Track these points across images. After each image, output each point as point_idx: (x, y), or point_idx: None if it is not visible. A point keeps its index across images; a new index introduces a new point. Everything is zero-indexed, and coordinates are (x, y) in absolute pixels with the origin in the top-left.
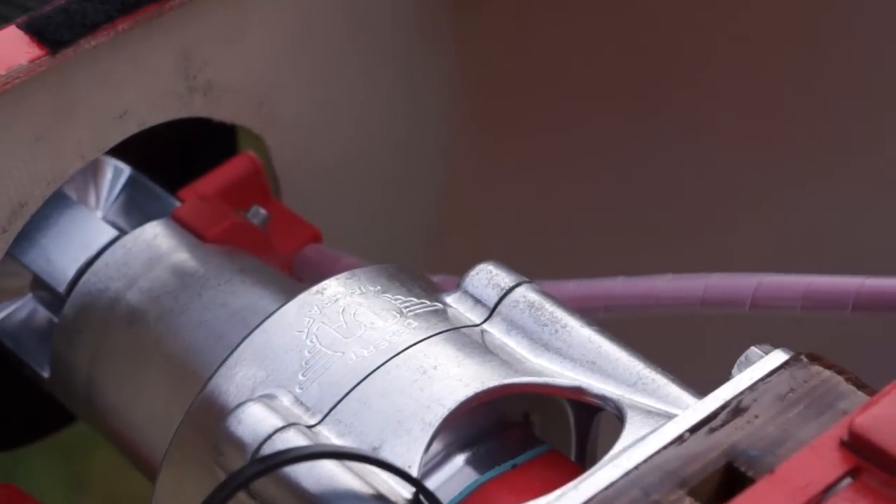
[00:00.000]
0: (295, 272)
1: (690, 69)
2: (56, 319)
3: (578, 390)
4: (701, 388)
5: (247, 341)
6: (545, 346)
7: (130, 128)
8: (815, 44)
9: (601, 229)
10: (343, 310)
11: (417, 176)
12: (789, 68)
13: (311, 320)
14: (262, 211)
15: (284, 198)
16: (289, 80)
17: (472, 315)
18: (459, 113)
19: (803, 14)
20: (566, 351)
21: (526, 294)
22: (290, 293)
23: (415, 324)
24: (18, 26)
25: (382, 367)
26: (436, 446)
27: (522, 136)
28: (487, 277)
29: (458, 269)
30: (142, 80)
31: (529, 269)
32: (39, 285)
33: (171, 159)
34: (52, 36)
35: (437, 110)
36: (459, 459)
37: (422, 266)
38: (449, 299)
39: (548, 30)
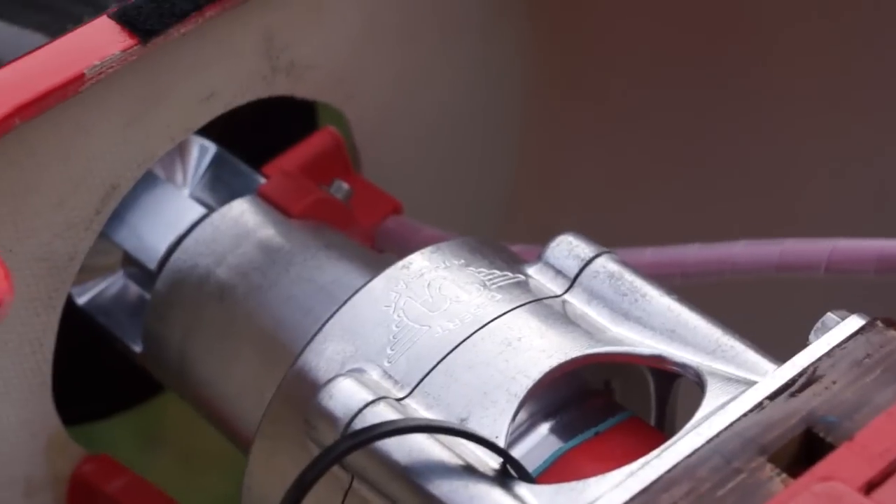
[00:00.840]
0: (377, 244)
1: (756, 35)
2: (147, 296)
3: (659, 358)
4: (779, 355)
5: (335, 317)
6: (625, 316)
7: (217, 109)
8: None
9: (670, 195)
10: (428, 284)
11: (493, 145)
12: (853, 29)
13: (398, 295)
14: (345, 185)
15: (365, 171)
16: (367, 55)
17: (553, 286)
18: (533, 81)
19: None
20: (646, 320)
21: (606, 264)
22: (375, 267)
23: (498, 296)
24: (110, 16)
25: (468, 340)
26: (520, 416)
27: (595, 102)
28: (568, 248)
29: (533, 238)
30: (227, 63)
31: (603, 235)
32: (130, 262)
33: (254, 136)
34: (142, 26)
35: (511, 79)
36: (543, 428)
37: (498, 235)
38: (530, 270)
39: (619, 9)
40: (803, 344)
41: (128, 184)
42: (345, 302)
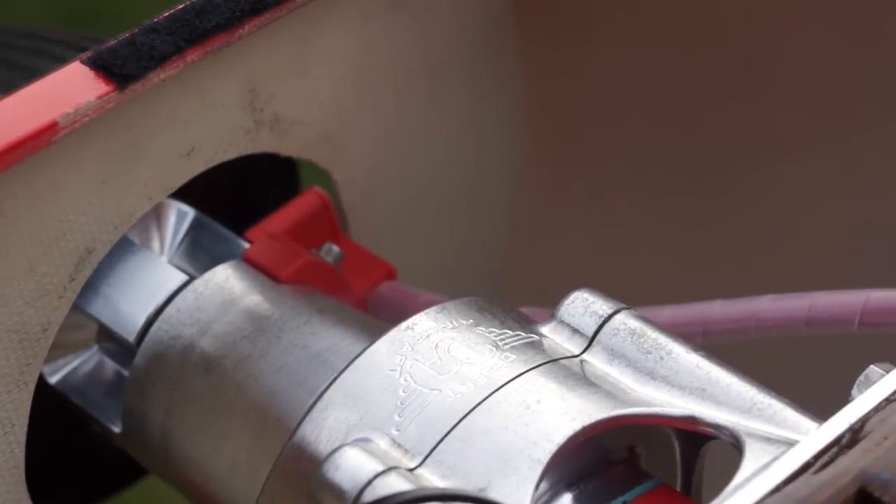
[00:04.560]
0: (370, 310)
1: (760, 87)
2: (124, 372)
3: (692, 419)
4: (811, 411)
5: (336, 383)
6: (650, 375)
7: (197, 166)
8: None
9: (671, 254)
10: (436, 345)
11: (486, 205)
12: (868, 87)
13: (404, 358)
14: (336, 248)
15: (352, 233)
16: (355, 112)
17: (569, 345)
18: (526, 140)
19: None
20: (673, 378)
21: (626, 321)
22: (373, 332)
23: (512, 357)
24: (83, 61)
25: (483, 404)
26: (542, 485)
27: (591, 161)
28: (584, 305)
29: (528, 302)
30: (209, 115)
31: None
32: (105, 336)
33: (230, 196)
34: (119, 70)
35: (504, 139)
36: (567, 499)
37: (492, 297)
38: (544, 330)
39: (613, 56)
40: (835, 400)
41: (104, 248)
42: (346, 367)
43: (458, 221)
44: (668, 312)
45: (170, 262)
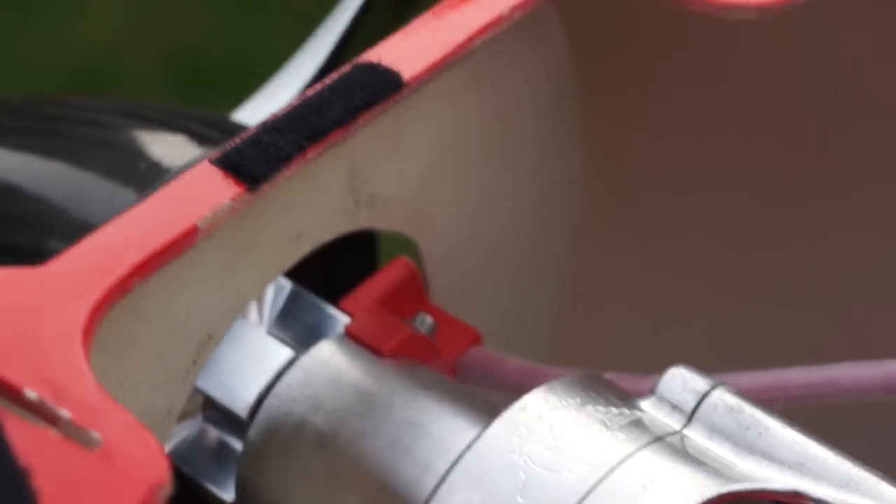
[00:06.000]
0: (458, 375)
1: (822, 143)
2: (229, 440)
3: (796, 494)
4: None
5: (458, 465)
6: (749, 450)
7: (305, 248)
8: None
9: (724, 316)
10: (550, 427)
11: (547, 265)
12: None
13: (521, 440)
14: (429, 319)
15: (433, 297)
16: (441, 184)
17: (670, 421)
18: (585, 200)
19: None
20: (772, 453)
21: (723, 397)
22: (478, 405)
23: (622, 436)
24: (212, 162)
25: (601, 484)
26: None
27: (648, 222)
28: (682, 382)
29: (582, 362)
30: (316, 201)
31: (652, 358)
32: (210, 406)
33: (313, 261)
34: (249, 172)
35: (564, 196)
36: None
37: (548, 357)
38: (644, 405)
39: (668, 119)
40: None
41: (222, 332)
42: (466, 449)
43: (520, 279)
44: (749, 379)
45: (268, 332)
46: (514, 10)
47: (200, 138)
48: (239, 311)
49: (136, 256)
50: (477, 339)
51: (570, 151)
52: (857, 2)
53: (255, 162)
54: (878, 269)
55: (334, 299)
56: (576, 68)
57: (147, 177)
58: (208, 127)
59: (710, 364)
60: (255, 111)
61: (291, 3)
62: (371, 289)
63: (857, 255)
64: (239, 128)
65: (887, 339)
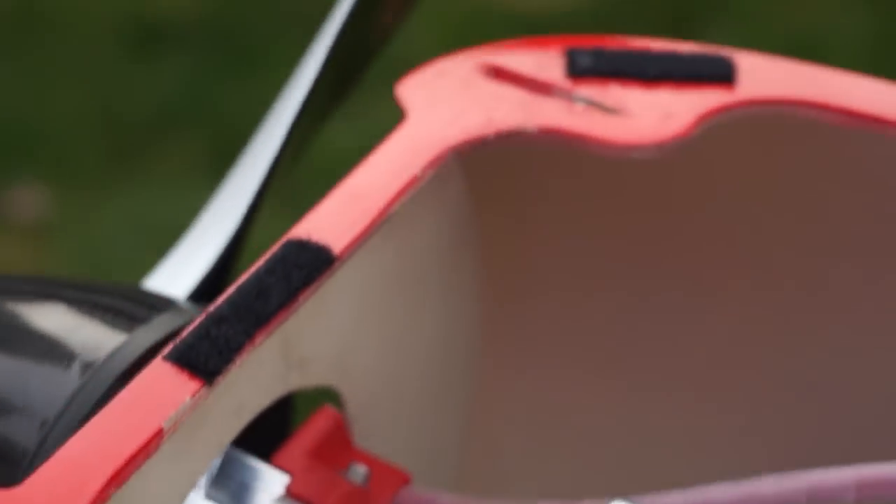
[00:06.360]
0: None
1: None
2: None
3: None
4: None
5: None
6: None
7: (245, 419)
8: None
9: (641, 446)
10: None
11: (452, 393)
12: (779, 235)
13: None
14: (361, 469)
15: (356, 438)
16: (359, 334)
17: None
18: (482, 328)
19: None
20: None
21: None
22: None
23: None
24: (165, 359)
25: None
26: None
27: (548, 353)
28: None
29: (488, 490)
30: (253, 374)
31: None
32: None
33: None
34: (204, 367)
35: (465, 327)
36: None
37: (454, 485)
38: None
39: (560, 234)
40: None
41: None
42: None
43: (429, 411)
44: (676, 499)
45: (206, 495)
46: (425, 169)
47: (127, 317)
48: (190, 489)
49: (109, 468)
50: (406, 480)
51: (470, 282)
52: (733, 140)
53: (209, 357)
54: (762, 358)
55: (254, 445)
56: (475, 205)
57: (84, 360)
58: (131, 303)
59: (622, 484)
60: (170, 274)
61: None
62: (302, 442)
63: (736, 342)
64: (159, 300)
65: (796, 428)
